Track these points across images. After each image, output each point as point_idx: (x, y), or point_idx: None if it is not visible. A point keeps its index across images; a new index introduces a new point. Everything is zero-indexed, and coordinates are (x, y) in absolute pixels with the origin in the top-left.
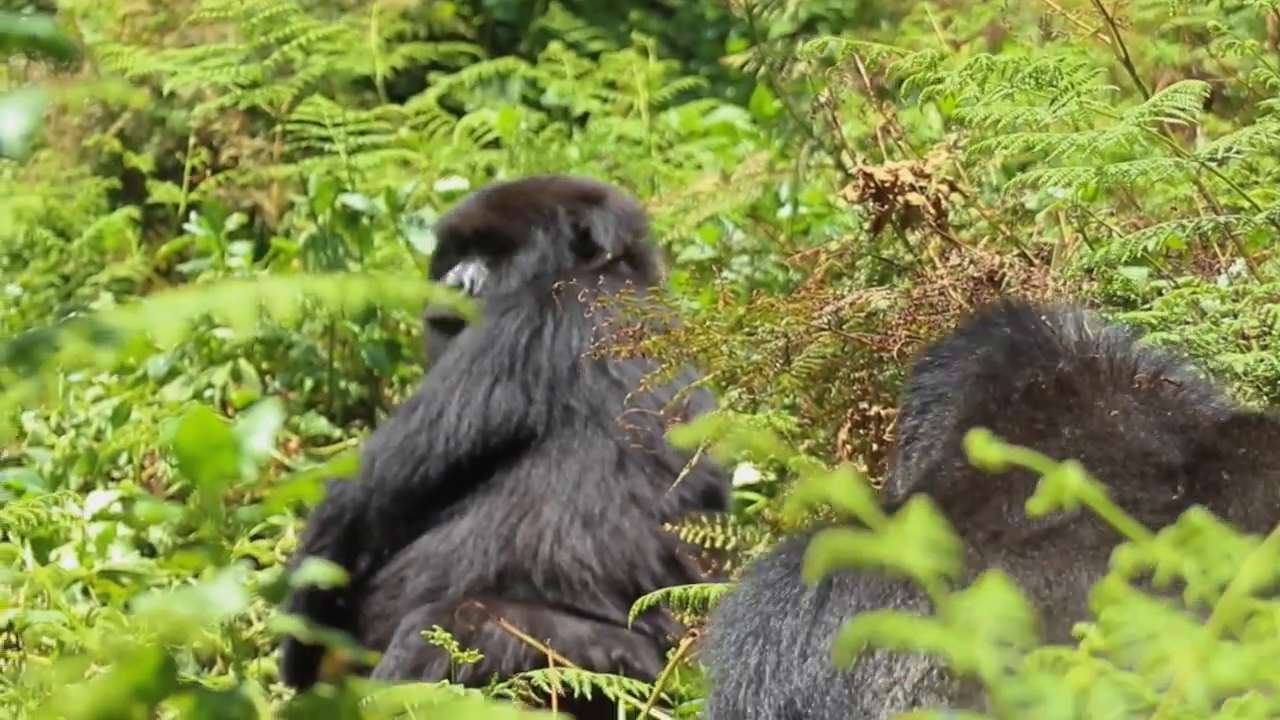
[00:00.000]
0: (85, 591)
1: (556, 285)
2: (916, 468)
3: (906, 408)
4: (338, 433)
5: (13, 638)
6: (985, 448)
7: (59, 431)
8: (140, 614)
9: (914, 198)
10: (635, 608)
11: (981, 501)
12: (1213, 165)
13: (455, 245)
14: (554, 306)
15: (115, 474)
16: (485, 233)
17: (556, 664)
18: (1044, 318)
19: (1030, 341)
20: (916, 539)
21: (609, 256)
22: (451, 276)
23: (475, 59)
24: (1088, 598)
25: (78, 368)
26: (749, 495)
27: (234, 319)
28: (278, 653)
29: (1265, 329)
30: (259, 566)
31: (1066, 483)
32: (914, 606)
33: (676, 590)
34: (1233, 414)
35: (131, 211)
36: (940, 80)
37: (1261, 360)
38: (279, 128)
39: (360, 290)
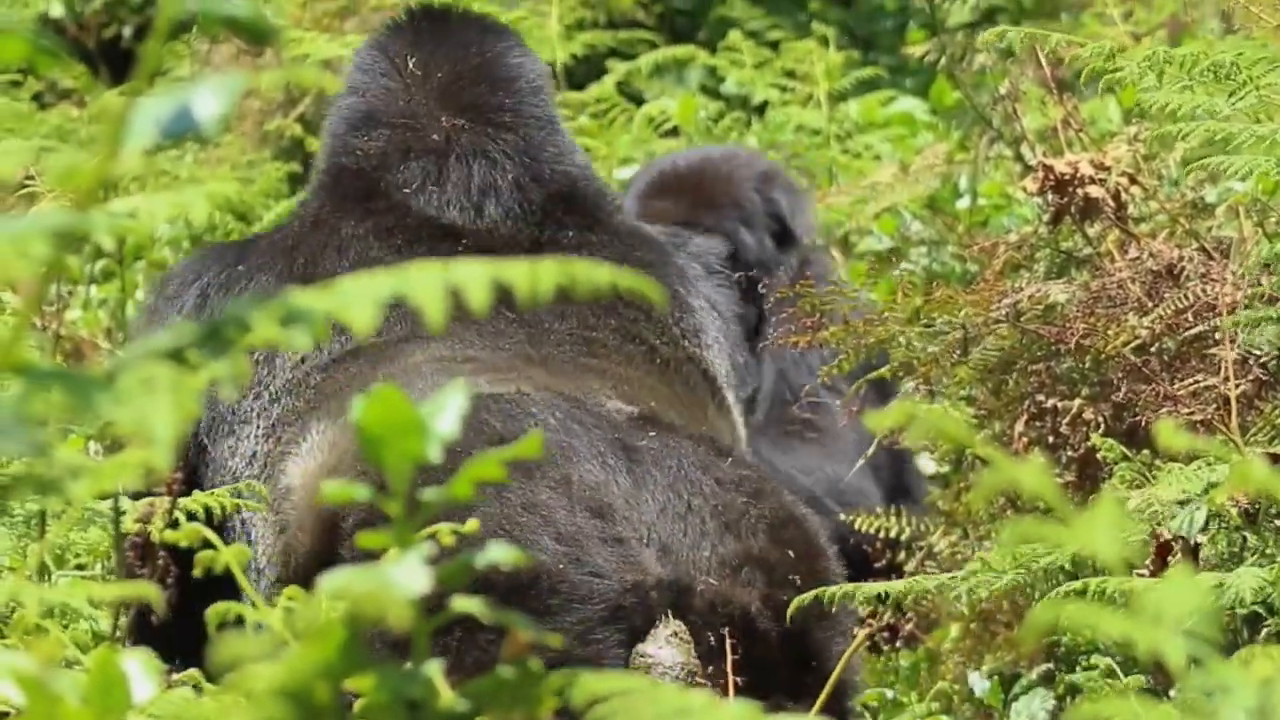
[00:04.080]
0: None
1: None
2: None
3: None
4: None
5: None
6: None
7: None
8: (325, 592)
9: (1094, 190)
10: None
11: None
12: None
13: None
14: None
15: None
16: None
17: None
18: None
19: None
20: (1104, 527)
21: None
22: None
23: (654, 46)
24: None
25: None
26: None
27: (426, 302)
28: None
29: None
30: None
31: None
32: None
33: (849, 587)
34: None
35: None
36: (1119, 70)
37: None
38: None
39: (551, 274)
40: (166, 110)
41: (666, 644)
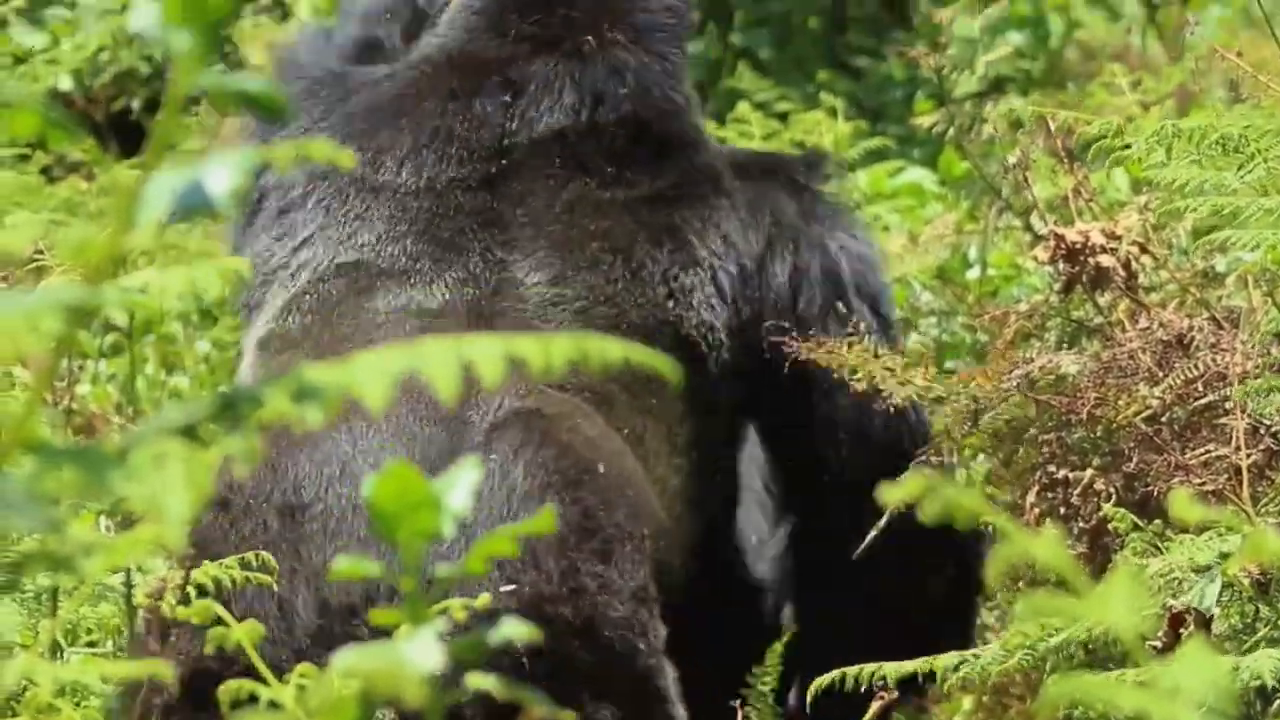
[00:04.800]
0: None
1: None
2: None
3: None
4: None
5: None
6: None
7: None
8: (338, 669)
9: (1105, 259)
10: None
11: None
12: None
13: None
14: None
15: None
16: None
17: None
18: None
19: None
20: (1120, 601)
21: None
22: None
23: None
24: None
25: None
26: None
27: (439, 380)
28: None
29: None
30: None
31: None
32: None
33: (870, 666)
34: None
35: None
36: (1128, 146)
37: None
38: None
39: (563, 350)
40: (178, 186)
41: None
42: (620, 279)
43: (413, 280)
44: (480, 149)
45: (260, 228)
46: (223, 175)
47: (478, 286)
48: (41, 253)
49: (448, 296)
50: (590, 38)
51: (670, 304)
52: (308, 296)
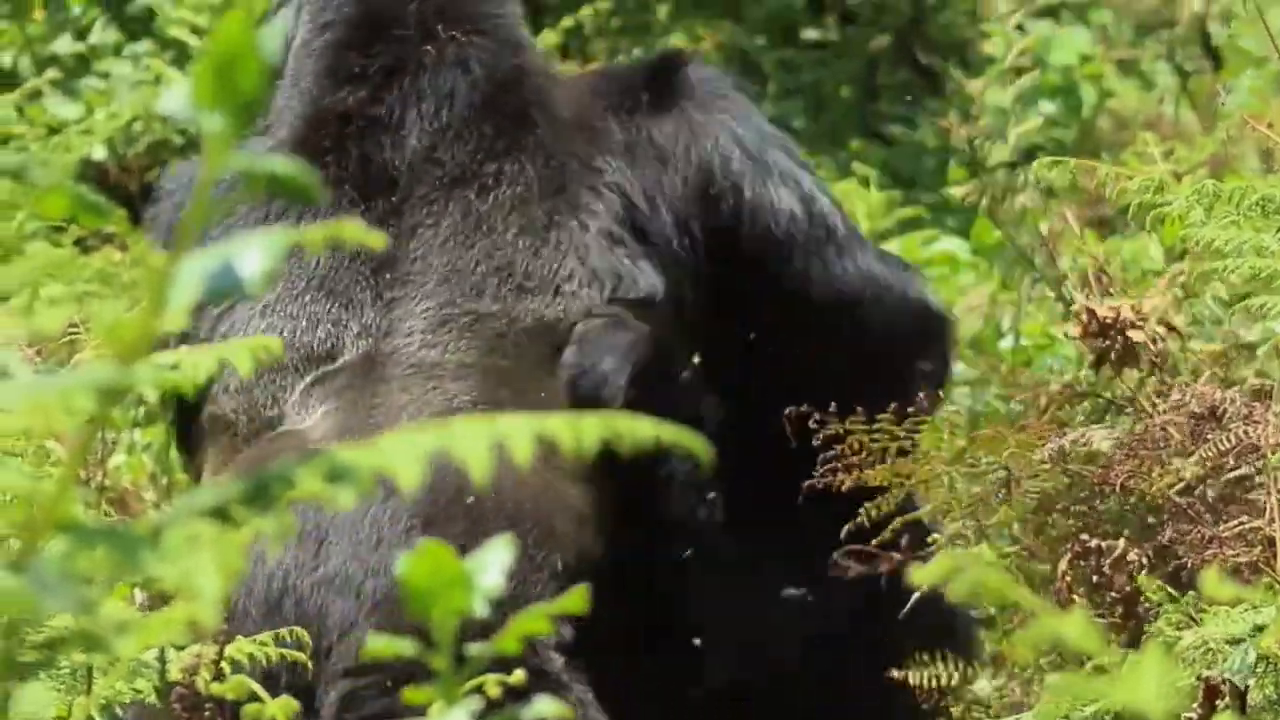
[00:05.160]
0: None
1: None
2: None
3: None
4: None
5: None
6: None
7: None
8: None
9: (1135, 334)
10: None
11: None
12: None
13: None
14: None
15: None
16: None
17: None
18: None
19: None
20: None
21: None
22: None
23: None
24: None
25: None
26: None
27: (470, 459)
28: None
29: None
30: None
31: None
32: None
33: None
34: None
35: None
36: (1167, 204)
37: None
38: None
39: (594, 429)
40: (211, 268)
41: None
42: (509, 290)
43: (316, 346)
44: (368, 192)
45: None
46: (254, 258)
47: (370, 336)
48: (75, 326)
49: (347, 353)
50: (429, 47)
51: (559, 302)
52: (233, 378)
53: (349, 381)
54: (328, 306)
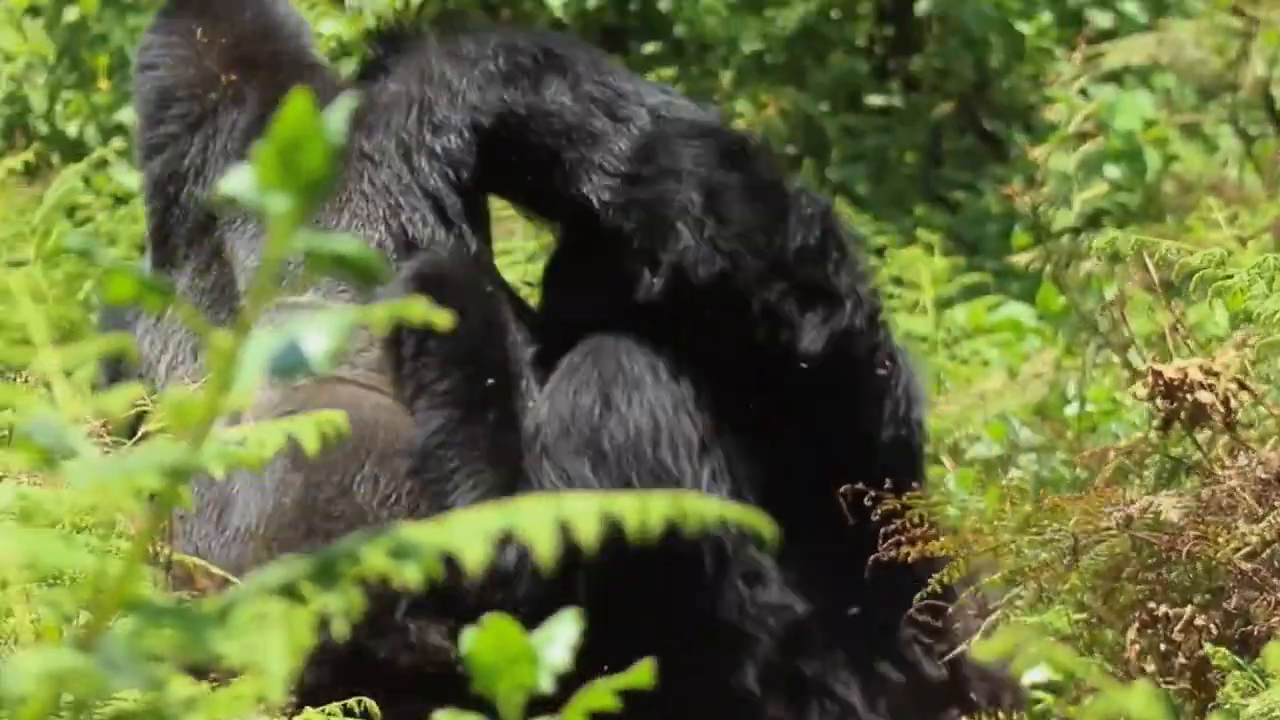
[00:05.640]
0: None
1: None
2: None
3: None
4: None
5: None
6: None
7: None
8: None
9: (1203, 396)
10: None
11: None
12: None
13: None
14: None
15: None
16: None
17: None
18: None
19: None
20: None
21: None
22: None
23: None
24: None
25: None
26: (1037, 694)
27: (535, 538)
28: None
29: None
30: None
31: None
32: None
33: None
34: None
35: None
36: (1229, 277)
37: None
38: None
39: (660, 508)
40: (276, 346)
41: None
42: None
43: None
44: (195, 238)
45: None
46: (319, 337)
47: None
48: (143, 400)
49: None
50: (213, 95)
51: None
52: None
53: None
54: (184, 359)
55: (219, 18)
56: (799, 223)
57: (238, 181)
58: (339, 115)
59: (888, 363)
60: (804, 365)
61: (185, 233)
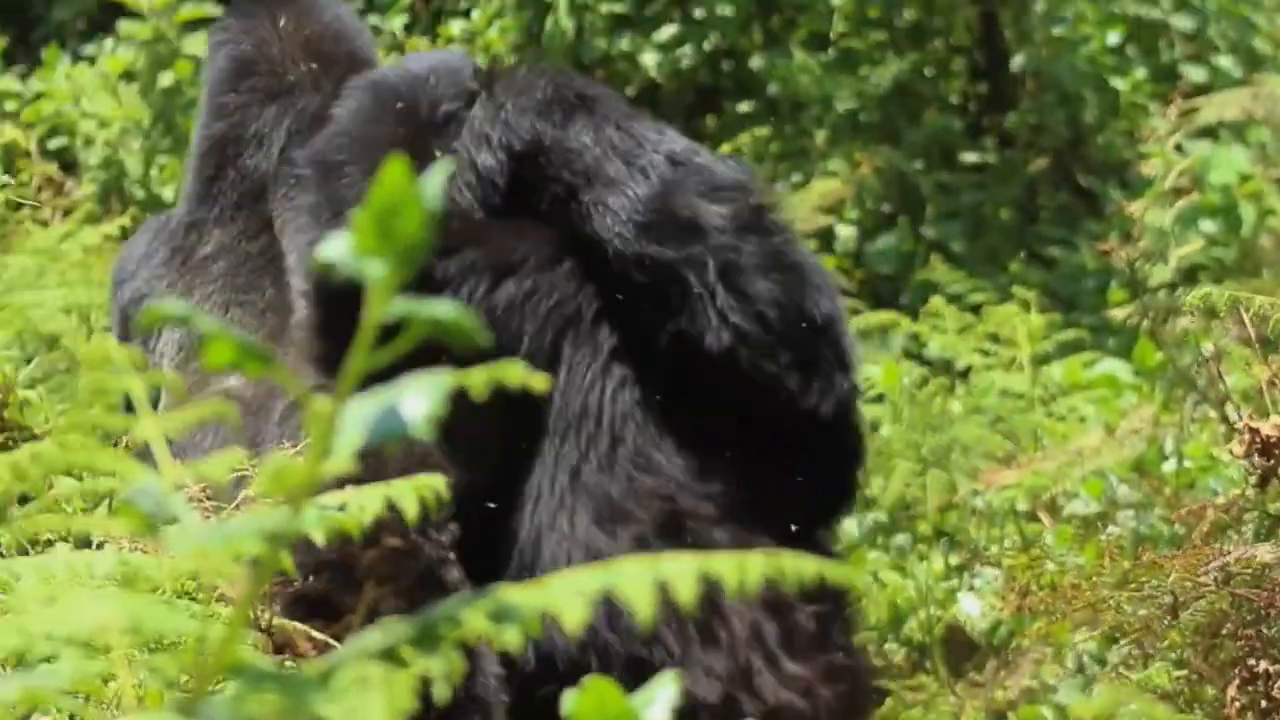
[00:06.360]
0: None
1: None
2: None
3: None
4: None
5: None
6: None
7: None
8: None
9: None
10: None
11: None
12: None
13: None
14: None
15: None
16: None
17: None
18: None
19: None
20: None
21: None
22: None
23: (857, 313)
24: None
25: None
26: None
27: (635, 599)
28: None
29: None
30: None
31: None
32: None
33: None
34: None
35: None
36: None
37: None
38: None
39: (758, 567)
40: (375, 412)
41: None
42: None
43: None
44: (241, 200)
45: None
46: (419, 402)
47: (276, 311)
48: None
49: (261, 329)
50: (291, 77)
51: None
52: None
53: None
54: (239, 297)
55: (301, 13)
56: (814, 295)
57: (334, 248)
58: (435, 181)
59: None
60: (797, 423)
61: (237, 196)
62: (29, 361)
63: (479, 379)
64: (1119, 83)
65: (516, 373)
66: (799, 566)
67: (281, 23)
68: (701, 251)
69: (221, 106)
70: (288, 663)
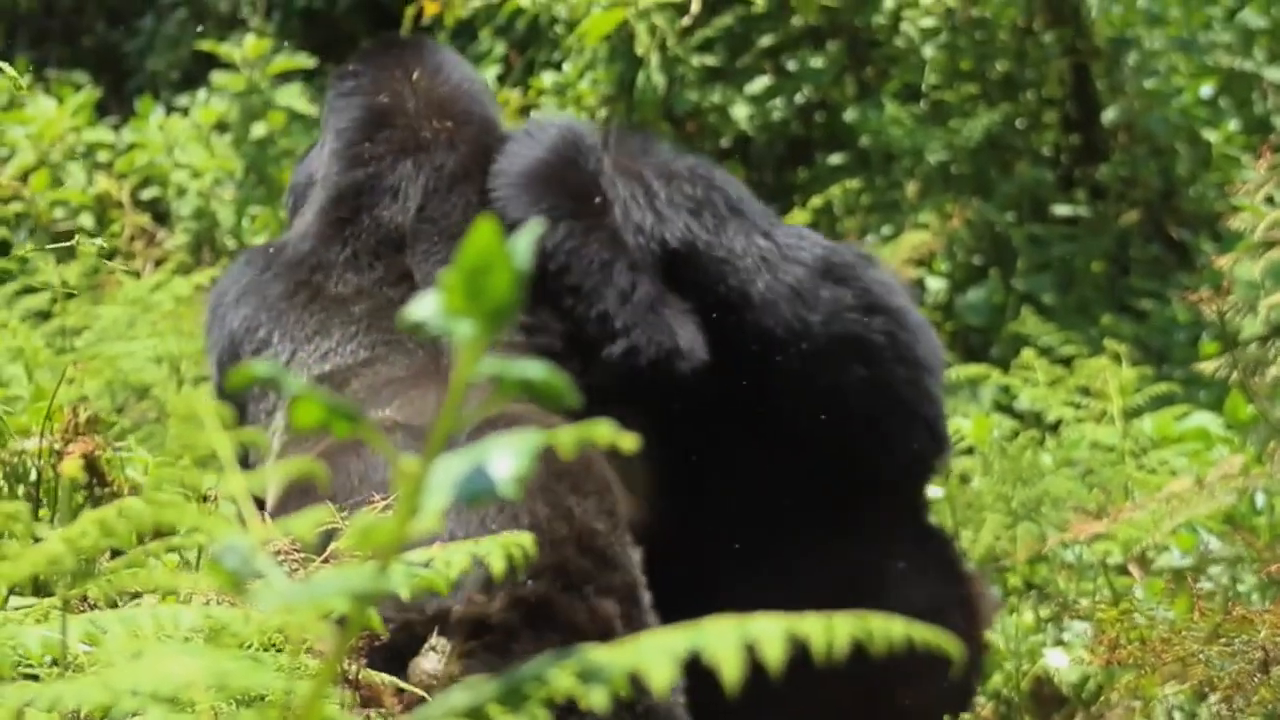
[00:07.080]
0: None
1: None
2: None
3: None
4: None
5: None
6: None
7: None
8: None
9: None
10: None
11: None
12: None
13: None
14: None
15: None
16: None
17: None
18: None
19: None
20: None
21: None
22: None
23: (948, 365)
24: None
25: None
26: None
27: (722, 660)
28: None
29: None
30: None
31: None
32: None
33: None
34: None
35: None
36: None
37: None
38: None
39: (846, 628)
40: (463, 470)
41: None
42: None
43: (376, 363)
44: (379, 250)
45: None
46: (507, 461)
47: (422, 353)
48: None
49: (403, 371)
50: (425, 134)
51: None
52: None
53: (413, 388)
54: (386, 337)
55: (434, 71)
56: (934, 370)
57: (425, 307)
58: (525, 242)
59: None
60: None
61: (374, 243)
62: (119, 411)
63: (567, 438)
64: (1211, 135)
65: (605, 432)
66: (886, 628)
67: (415, 76)
68: (858, 367)
69: (356, 155)
70: (373, 716)
